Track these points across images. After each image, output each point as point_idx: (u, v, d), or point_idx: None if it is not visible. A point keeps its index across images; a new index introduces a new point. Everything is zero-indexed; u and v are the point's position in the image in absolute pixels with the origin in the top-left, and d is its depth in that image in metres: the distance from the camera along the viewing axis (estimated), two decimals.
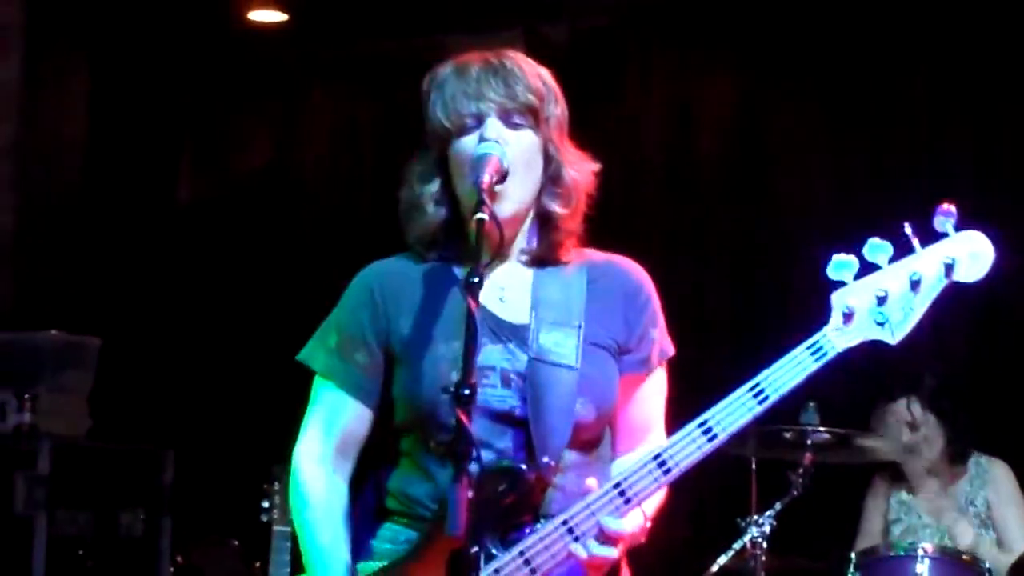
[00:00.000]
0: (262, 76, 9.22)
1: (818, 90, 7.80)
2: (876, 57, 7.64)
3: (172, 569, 7.76)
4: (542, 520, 3.04)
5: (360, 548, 3.24)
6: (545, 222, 3.27)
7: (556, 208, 3.24)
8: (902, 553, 5.87)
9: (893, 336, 3.00)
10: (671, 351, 3.35)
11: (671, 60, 8.20)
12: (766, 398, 2.99)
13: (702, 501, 7.16)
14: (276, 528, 5.98)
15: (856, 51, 7.69)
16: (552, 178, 3.24)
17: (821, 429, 6.00)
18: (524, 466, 3.06)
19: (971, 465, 6.50)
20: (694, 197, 8.06)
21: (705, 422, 2.99)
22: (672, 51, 8.22)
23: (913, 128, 7.48)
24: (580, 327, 3.19)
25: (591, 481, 3.02)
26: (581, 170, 3.28)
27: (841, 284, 3.01)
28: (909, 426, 6.46)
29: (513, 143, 3.16)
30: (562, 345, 3.16)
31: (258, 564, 6.69)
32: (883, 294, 2.98)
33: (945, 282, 2.98)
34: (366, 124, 8.95)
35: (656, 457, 3.00)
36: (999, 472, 6.48)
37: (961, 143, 7.35)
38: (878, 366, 6.71)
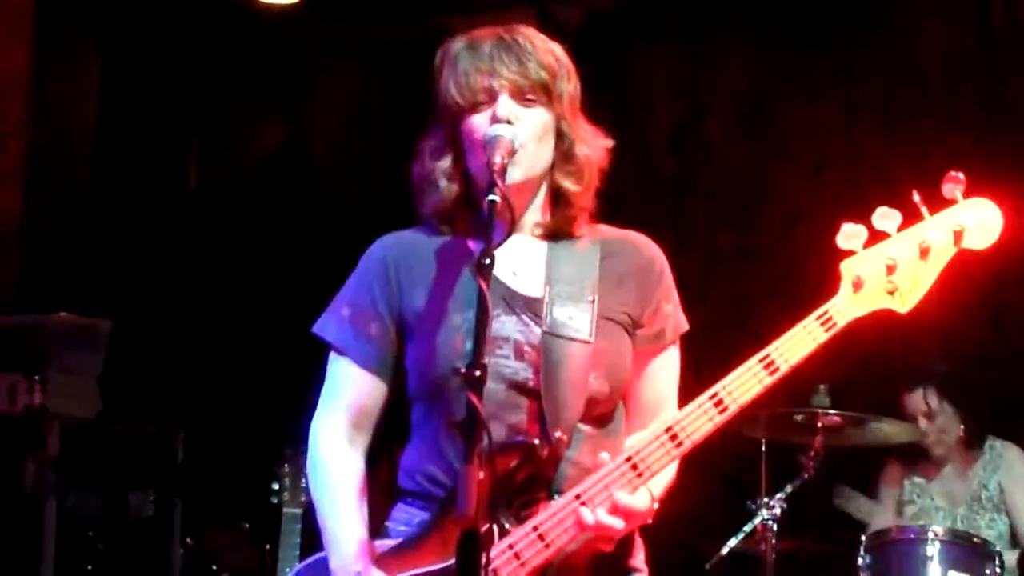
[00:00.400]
0: (273, 60, 9.21)
1: (828, 73, 7.77)
2: (887, 39, 7.62)
3: (182, 551, 7.75)
4: (556, 494, 3.04)
5: (376, 527, 3.25)
6: (558, 198, 3.27)
7: (569, 185, 3.24)
8: (913, 536, 5.87)
9: (904, 305, 3.00)
10: (685, 326, 3.35)
11: (682, 43, 8.18)
12: (777, 369, 2.98)
13: (713, 484, 7.15)
14: (286, 510, 5.99)
15: (867, 34, 7.67)
16: (565, 154, 3.24)
17: (832, 412, 5.99)
18: (536, 440, 3.05)
19: (986, 449, 6.50)
20: (704, 180, 8.04)
21: (716, 394, 2.99)
22: (683, 34, 8.20)
23: (925, 112, 7.46)
24: (594, 301, 3.19)
25: (604, 455, 3.02)
26: (594, 146, 3.28)
27: (851, 254, 3.00)
28: (925, 416, 6.47)
29: (525, 120, 3.15)
30: (576, 319, 3.16)
31: (268, 546, 6.68)
32: (892, 262, 2.98)
33: (954, 249, 2.98)
34: (377, 107, 8.94)
35: (668, 430, 3.00)
36: (1012, 456, 6.49)
37: (974, 123, 7.33)
38: (888, 349, 6.80)
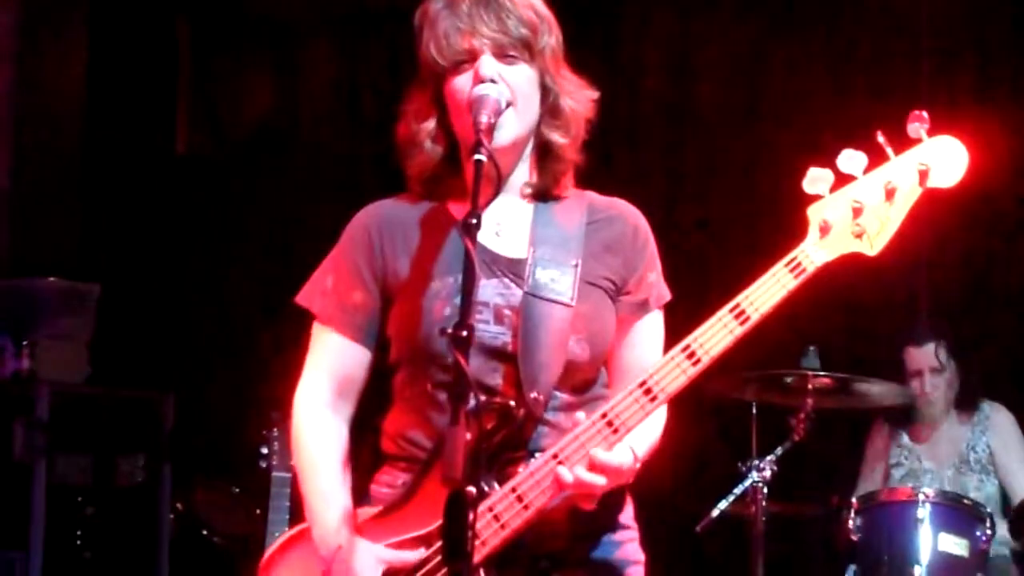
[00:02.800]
0: (261, 26, 9.18)
1: (819, 38, 7.73)
2: (878, 3, 7.59)
3: (172, 515, 7.77)
4: (535, 456, 3.02)
5: (360, 492, 3.24)
6: (545, 152, 3.24)
7: (556, 138, 3.22)
8: (904, 498, 5.87)
9: (872, 247, 2.97)
10: (668, 296, 3.32)
11: (670, 7, 8.13)
12: (748, 318, 2.96)
13: (703, 446, 7.15)
14: (275, 474, 5.98)
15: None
16: (550, 109, 3.21)
17: (822, 374, 5.98)
18: (512, 402, 3.04)
19: (976, 412, 6.51)
20: (693, 146, 8.01)
21: (688, 346, 2.96)
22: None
23: (914, 76, 7.43)
24: (577, 265, 3.17)
25: (579, 414, 3.01)
26: (579, 98, 3.25)
27: (817, 198, 2.99)
28: (933, 371, 6.47)
29: (509, 78, 3.13)
30: (558, 282, 3.14)
31: (258, 510, 6.68)
32: (859, 205, 2.96)
33: (920, 189, 2.95)
34: (365, 74, 8.90)
35: (642, 384, 2.97)
36: (1001, 418, 6.49)
37: (963, 87, 7.30)
38: (879, 311, 6.80)
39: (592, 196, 3.34)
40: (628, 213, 3.33)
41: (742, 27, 7.87)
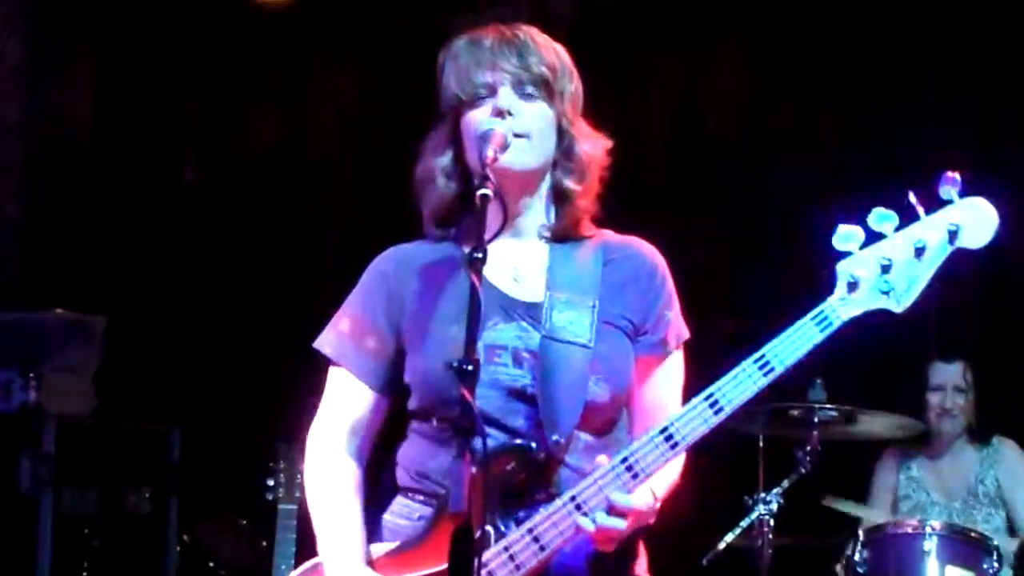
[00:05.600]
0: (268, 55, 9.20)
1: (828, 71, 7.75)
2: (885, 41, 7.60)
3: (179, 548, 7.76)
4: (555, 499, 3.01)
5: (375, 526, 3.24)
6: (560, 199, 3.24)
7: (570, 184, 3.22)
8: (910, 530, 5.86)
9: (899, 304, 2.99)
10: (687, 334, 3.32)
11: (679, 38, 8.15)
12: (772, 370, 2.97)
13: (710, 479, 7.13)
14: (281, 506, 5.98)
15: (866, 33, 7.64)
16: (565, 153, 3.22)
17: (828, 406, 5.98)
18: (532, 444, 3.04)
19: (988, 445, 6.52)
20: (701, 177, 8.02)
21: (711, 395, 2.97)
22: (681, 29, 8.17)
23: (920, 110, 7.44)
24: (595, 306, 3.17)
25: (601, 458, 3.00)
26: (594, 146, 3.25)
27: (847, 255, 3.00)
28: (957, 389, 6.47)
29: (526, 114, 3.14)
30: (576, 323, 3.14)
31: (265, 543, 6.68)
32: (888, 262, 2.97)
33: (950, 249, 2.97)
34: (373, 104, 8.92)
35: (663, 431, 2.98)
36: (1010, 452, 6.50)
37: (966, 131, 7.31)
38: (885, 343, 6.79)
39: (608, 235, 3.33)
40: (645, 251, 3.33)
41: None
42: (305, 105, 9.23)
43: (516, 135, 3.11)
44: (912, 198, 2.98)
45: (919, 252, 2.97)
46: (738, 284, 7.74)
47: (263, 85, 9.30)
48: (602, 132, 3.30)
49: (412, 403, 3.22)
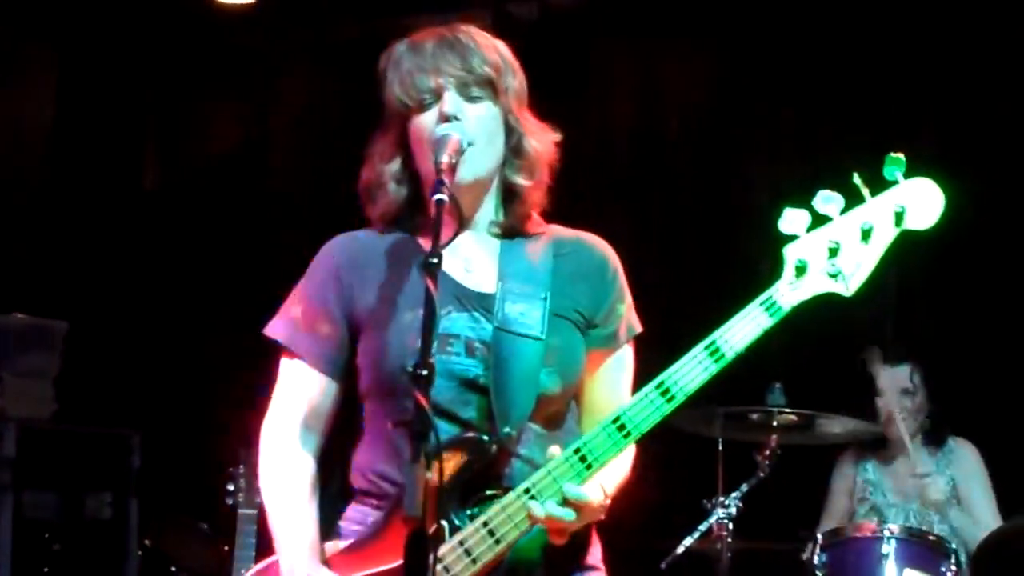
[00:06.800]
0: (229, 60, 9.18)
1: (788, 72, 7.77)
2: (846, 38, 7.62)
3: (140, 552, 7.74)
4: (507, 491, 3.03)
5: (329, 527, 3.24)
6: (510, 195, 3.27)
7: (520, 180, 3.25)
8: (868, 534, 5.88)
9: (847, 288, 3.00)
10: (638, 328, 3.34)
11: (640, 41, 8.17)
12: (722, 356, 2.98)
13: (669, 483, 7.15)
14: (241, 511, 5.98)
15: (827, 33, 7.66)
16: (514, 149, 3.25)
17: (787, 410, 6.00)
18: (484, 436, 3.06)
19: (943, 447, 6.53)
20: (662, 178, 8.04)
21: (663, 383, 2.99)
22: (641, 31, 8.18)
23: (881, 109, 7.46)
24: (546, 299, 3.19)
25: (553, 448, 3.01)
26: (543, 140, 3.28)
27: (793, 238, 3.01)
28: (904, 392, 6.48)
29: (472, 116, 3.16)
30: (527, 316, 3.16)
31: (225, 547, 6.67)
32: (835, 246, 2.98)
33: (896, 230, 2.98)
34: (334, 108, 8.91)
35: (615, 421, 2.99)
36: (966, 452, 6.51)
37: (926, 128, 7.35)
38: (844, 347, 6.81)
39: (559, 229, 3.36)
40: (596, 244, 3.35)
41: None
42: (265, 109, 9.21)
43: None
44: (857, 179, 2.98)
45: (866, 234, 2.97)
46: (698, 277, 7.75)
47: (223, 89, 9.27)
48: (549, 127, 3.32)
49: (362, 384, 3.23)
